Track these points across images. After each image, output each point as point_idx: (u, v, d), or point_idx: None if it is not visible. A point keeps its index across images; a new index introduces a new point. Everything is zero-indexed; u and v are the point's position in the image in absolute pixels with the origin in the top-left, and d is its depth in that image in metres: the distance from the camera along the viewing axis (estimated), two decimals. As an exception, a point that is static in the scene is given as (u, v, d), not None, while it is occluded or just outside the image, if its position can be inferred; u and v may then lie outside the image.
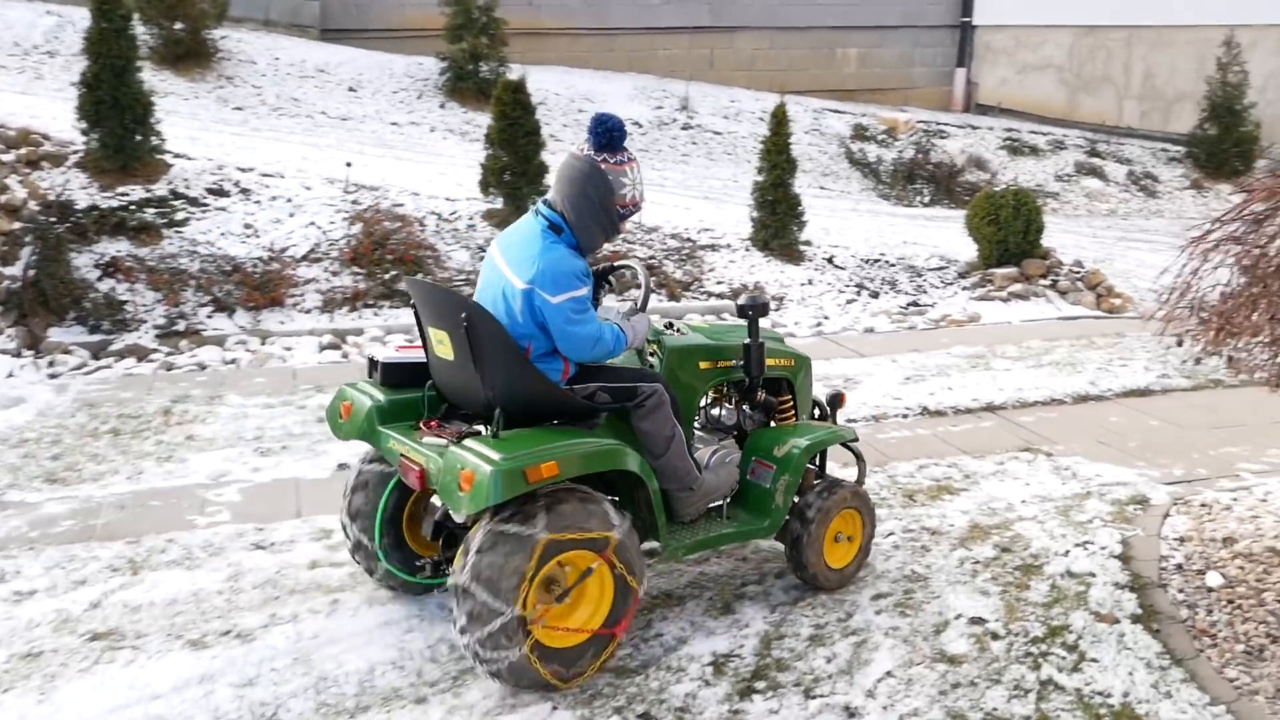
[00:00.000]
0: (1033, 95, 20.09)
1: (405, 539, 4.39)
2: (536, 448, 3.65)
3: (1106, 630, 4.43)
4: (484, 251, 9.75)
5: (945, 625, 4.46)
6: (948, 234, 13.07)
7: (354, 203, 9.96)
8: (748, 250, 10.85)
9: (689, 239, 10.94)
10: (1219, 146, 18.06)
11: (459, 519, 3.96)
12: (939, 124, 18.01)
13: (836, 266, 10.88)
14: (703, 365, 4.51)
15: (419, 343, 4.27)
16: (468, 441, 3.71)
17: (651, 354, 4.43)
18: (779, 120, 10.63)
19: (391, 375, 4.27)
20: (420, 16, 15.95)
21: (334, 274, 9.00)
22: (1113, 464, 6.35)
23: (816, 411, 5.04)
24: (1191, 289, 4.35)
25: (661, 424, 4.08)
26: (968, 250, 11.70)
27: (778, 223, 10.68)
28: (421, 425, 4.08)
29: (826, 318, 9.72)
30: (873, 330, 9.42)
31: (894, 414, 7.22)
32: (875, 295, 10.33)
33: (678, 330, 4.61)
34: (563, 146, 14.70)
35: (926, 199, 15.97)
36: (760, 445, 4.58)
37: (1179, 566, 5.06)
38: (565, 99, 15.94)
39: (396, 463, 4.02)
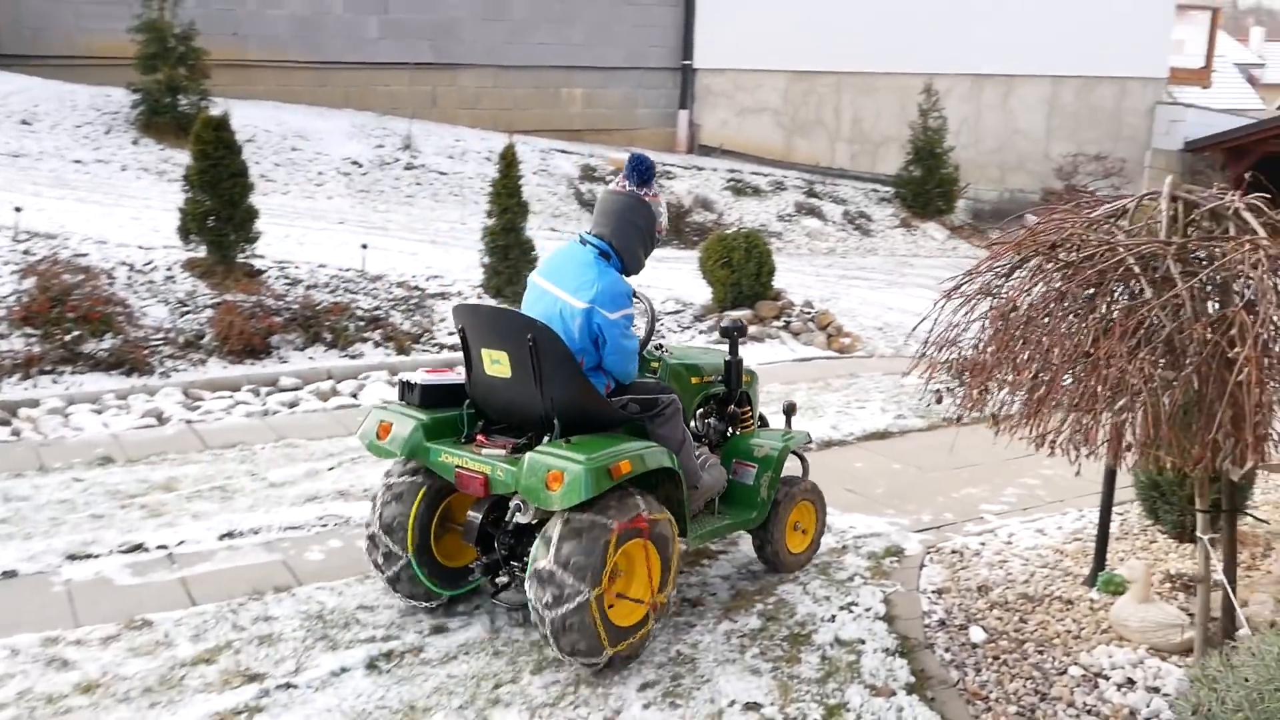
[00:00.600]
0: (752, 137, 20.67)
1: (432, 549, 4.68)
2: (607, 450, 4.09)
3: (884, 705, 4.17)
4: (185, 305, 8.75)
5: (719, 715, 4.07)
6: (680, 275, 13.02)
7: (25, 253, 8.71)
8: (480, 297, 10.31)
9: (417, 287, 10.29)
10: (923, 187, 19.15)
11: (526, 519, 4.35)
12: (665, 165, 18.15)
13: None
14: (694, 380, 5.18)
15: (442, 368, 4.98)
16: (542, 448, 4.15)
17: (652, 372, 5.02)
18: (508, 162, 10.18)
19: (430, 397, 4.66)
20: (108, 44, 14.53)
21: (1, 336, 7.77)
22: (863, 513, 6.23)
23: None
24: (951, 343, 4.18)
25: (675, 430, 4.59)
26: (702, 292, 11.65)
27: (510, 269, 10.21)
28: (477, 439, 4.51)
29: (566, 366, 9.31)
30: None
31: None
32: (614, 341, 10.04)
33: (668, 352, 5.24)
34: (276, 188, 13.70)
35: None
36: (740, 448, 5.26)
37: (942, 623, 4.92)
38: (277, 136, 14.92)
39: (451, 474, 4.43)
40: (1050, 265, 3.92)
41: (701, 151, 20.10)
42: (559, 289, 4.43)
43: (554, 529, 4.10)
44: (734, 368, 5.33)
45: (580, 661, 4.15)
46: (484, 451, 4.41)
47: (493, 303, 10.24)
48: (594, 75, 18.95)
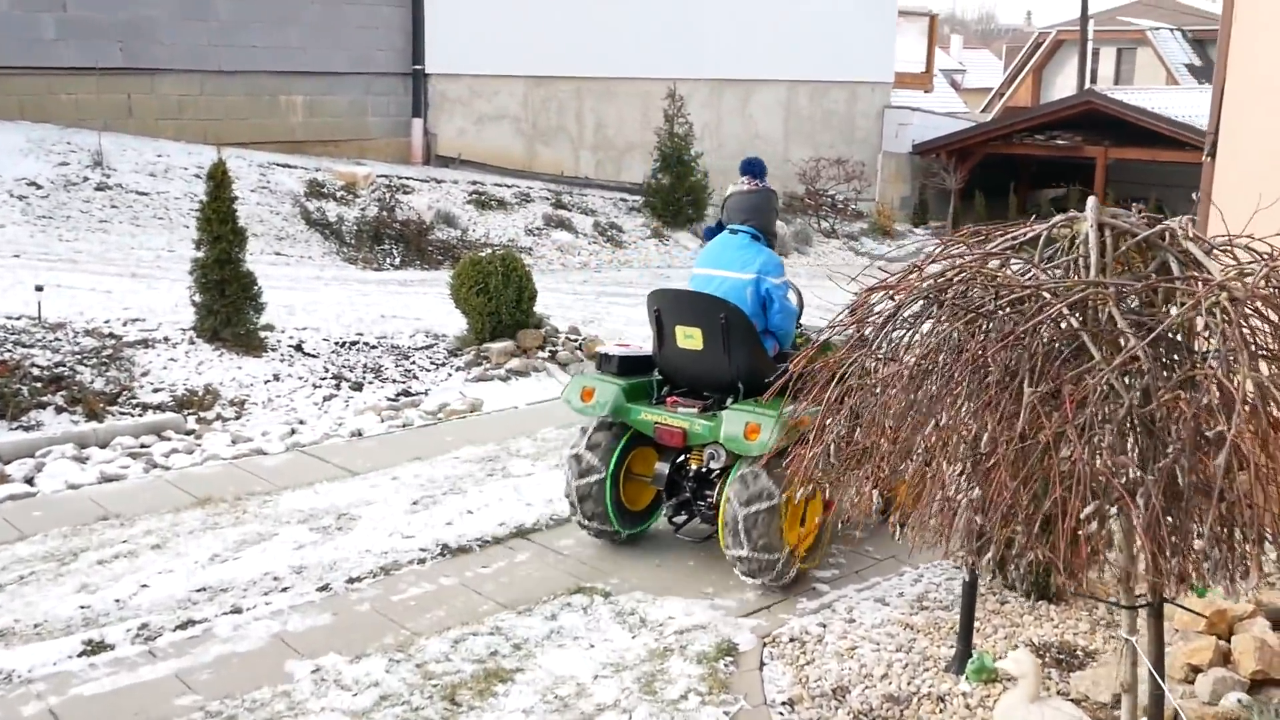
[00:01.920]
0: (492, 146, 19.49)
1: (621, 495, 5.61)
2: (785, 409, 4.31)
3: None
4: None
5: None
6: (428, 302, 11.71)
7: None
8: (193, 343, 8.67)
9: (112, 334, 8.54)
10: (673, 195, 18.56)
11: (719, 465, 5.19)
12: (401, 178, 16.70)
13: (307, 354, 9.05)
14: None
15: (628, 343, 6.59)
16: (738, 406, 5.08)
17: (795, 347, 5.54)
18: (218, 182, 8.58)
19: (625, 366, 5.59)
20: None
21: None
22: (680, 597, 5.22)
23: None
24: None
25: None
26: (455, 322, 10.41)
27: (229, 307, 8.63)
28: (669, 400, 5.41)
29: (302, 422, 7.86)
30: (361, 434, 7.72)
31: (408, 560, 5.60)
32: (358, 387, 8.64)
33: (811, 329, 5.83)
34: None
35: (397, 260, 14.54)
36: None
37: (803, 750, 3.97)
38: (-71, 155, 12.51)
39: (650, 429, 5.36)
40: (949, 317, 3.00)
41: (439, 162, 18.72)
42: (725, 270, 5.42)
43: (747, 474, 5.02)
44: None
45: (763, 560, 5.05)
46: (680, 410, 5.34)
47: (208, 349, 8.63)
48: (316, 81, 17.22)
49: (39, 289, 8.61)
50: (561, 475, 5.93)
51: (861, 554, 5.78)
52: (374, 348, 9.47)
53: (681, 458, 5.53)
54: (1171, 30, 41.78)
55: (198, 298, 8.71)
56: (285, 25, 16.74)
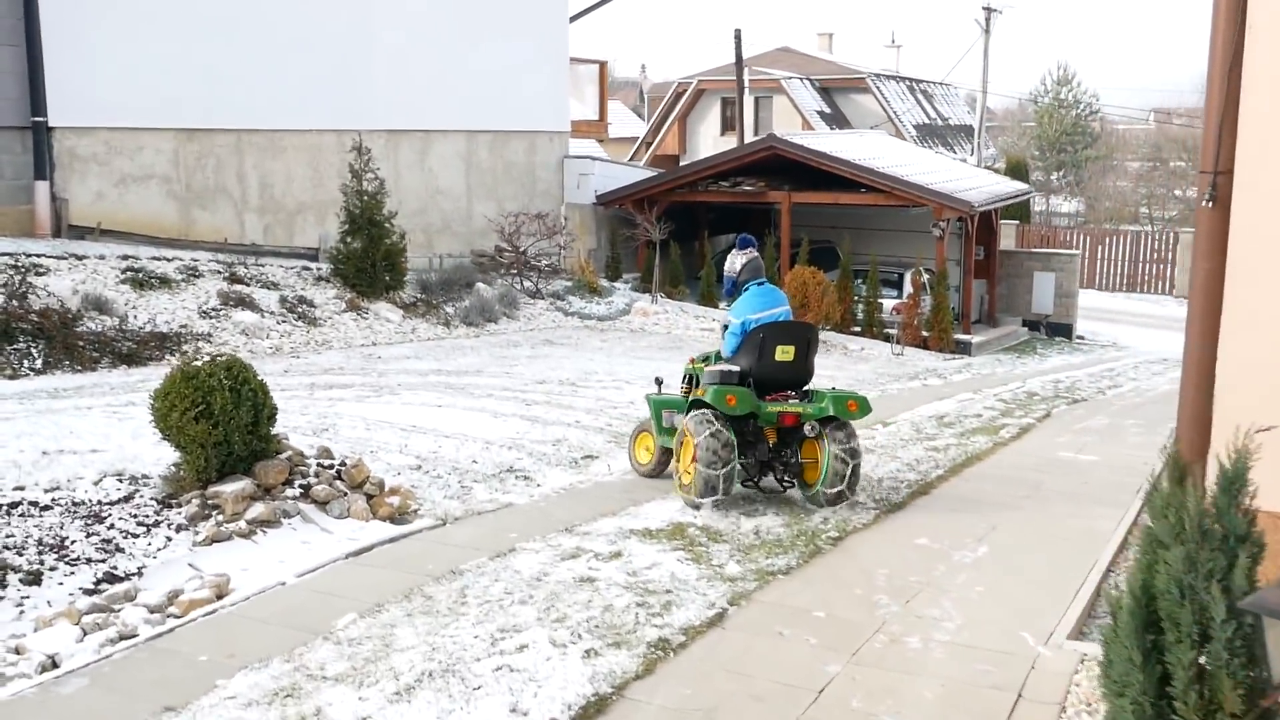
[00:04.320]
0: (140, 212, 16.30)
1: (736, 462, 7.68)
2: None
3: None
4: None
5: None
6: (99, 422, 8.88)
7: None
8: None
9: None
10: (366, 262, 16.22)
11: (813, 434, 7.60)
12: (30, 255, 13.32)
13: (-55, 533, 6.17)
14: None
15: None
16: (831, 392, 7.79)
17: None
18: None
19: (739, 379, 7.69)
20: None
21: None
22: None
23: None
24: None
25: None
26: (152, 454, 7.78)
27: None
28: (780, 396, 7.82)
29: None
30: (56, 664, 5.10)
31: None
32: (35, 578, 5.91)
33: None
34: None
35: (38, 362, 11.34)
36: None
37: None
38: None
39: (774, 418, 7.64)
40: None
41: (73, 234, 15.33)
42: (781, 307, 8.03)
43: (841, 435, 7.65)
44: None
45: (850, 488, 7.69)
46: (790, 402, 7.76)
47: None
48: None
49: None
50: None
51: None
52: (46, 508, 6.69)
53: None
54: (802, 79, 44.05)
55: None
56: None
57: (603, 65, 27.03)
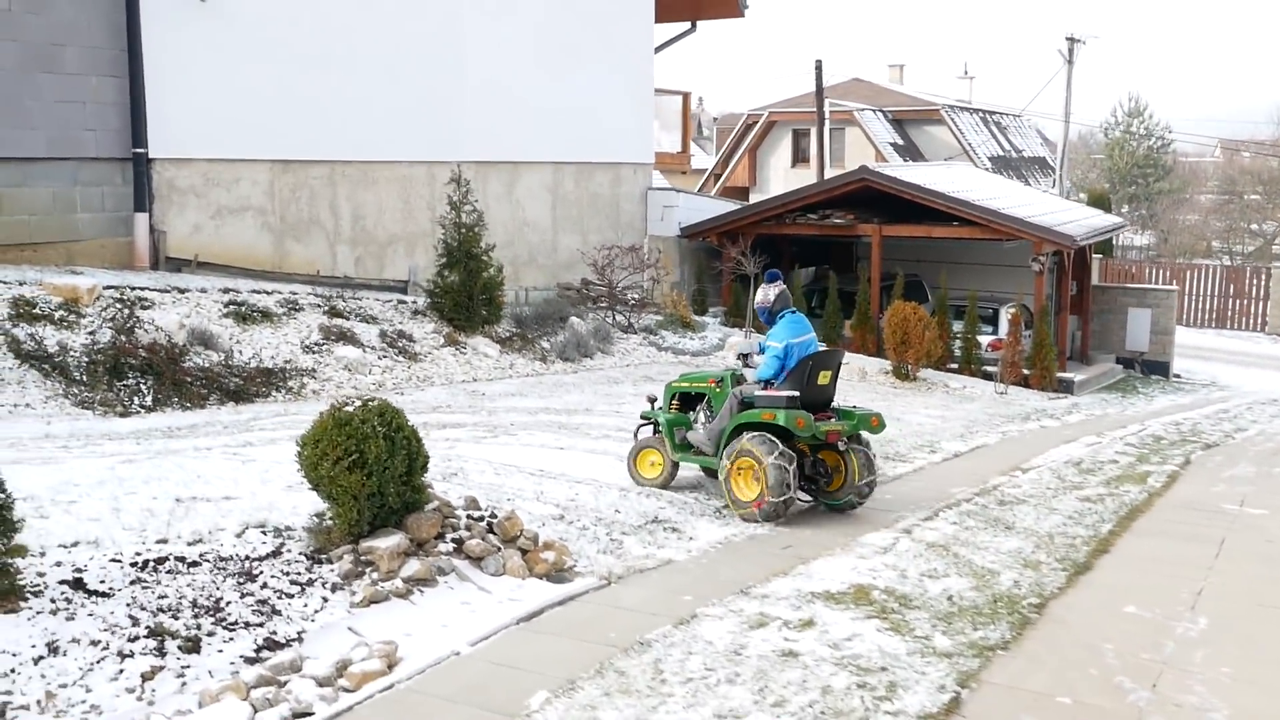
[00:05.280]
0: (235, 244, 16.08)
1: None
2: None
3: None
4: None
5: None
6: (221, 465, 8.49)
7: None
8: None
9: None
10: (465, 296, 15.84)
11: (845, 447, 8.62)
12: (135, 289, 13.06)
13: (95, 594, 5.75)
14: None
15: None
16: (857, 411, 8.90)
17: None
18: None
19: (797, 403, 8.55)
20: None
21: None
22: None
23: None
24: None
25: None
26: (288, 501, 7.37)
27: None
28: (824, 414, 8.71)
29: (114, 730, 4.68)
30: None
31: None
32: (194, 645, 5.47)
33: None
34: None
35: (148, 399, 11.03)
36: None
37: None
38: None
39: (824, 434, 8.40)
40: None
41: (170, 266, 15.11)
42: (810, 334, 8.81)
43: (860, 441, 8.79)
44: None
45: (870, 488, 8.86)
46: (833, 420, 8.61)
47: None
48: (3, 170, 13.34)
49: None
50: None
51: None
52: (193, 565, 6.26)
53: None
54: (875, 111, 43.50)
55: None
56: (-44, 98, 12.85)
57: (686, 96, 26.63)
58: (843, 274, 24.05)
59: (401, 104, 17.93)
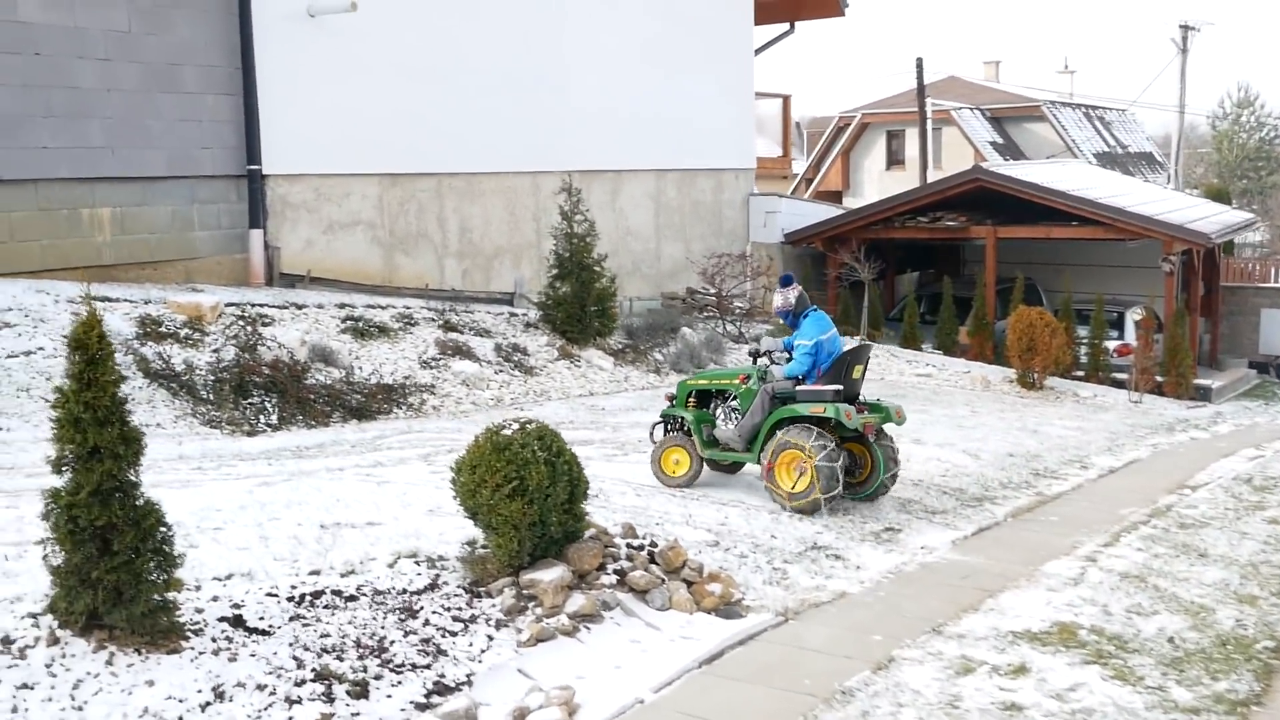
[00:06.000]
0: (346, 259, 15.95)
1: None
2: None
3: None
4: None
5: None
6: (361, 488, 8.16)
7: None
8: (56, 643, 4.94)
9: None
10: (578, 307, 15.49)
11: (875, 439, 8.87)
12: (254, 305, 12.93)
13: (254, 632, 5.43)
14: None
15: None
16: (883, 403, 9.08)
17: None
18: (91, 355, 5.02)
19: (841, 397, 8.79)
20: None
21: None
22: None
23: None
24: None
25: None
26: (434, 526, 7.02)
27: (119, 571, 4.96)
28: (856, 409, 8.82)
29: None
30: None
31: None
32: (361, 690, 5.11)
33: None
34: None
35: (274, 417, 10.83)
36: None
37: None
38: None
39: (861, 425, 8.62)
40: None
41: (284, 281, 15.00)
42: (833, 330, 9.06)
43: (890, 442, 9.03)
44: None
45: (892, 481, 9.06)
46: (867, 413, 8.80)
47: (82, 646, 4.91)
48: (127, 189, 13.32)
49: None
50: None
51: None
52: (350, 599, 5.91)
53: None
54: (973, 109, 42.38)
55: (59, 558, 5.01)
56: (82, 120, 12.83)
57: (786, 100, 26.08)
58: (950, 278, 23.27)
59: (505, 114, 17.68)
